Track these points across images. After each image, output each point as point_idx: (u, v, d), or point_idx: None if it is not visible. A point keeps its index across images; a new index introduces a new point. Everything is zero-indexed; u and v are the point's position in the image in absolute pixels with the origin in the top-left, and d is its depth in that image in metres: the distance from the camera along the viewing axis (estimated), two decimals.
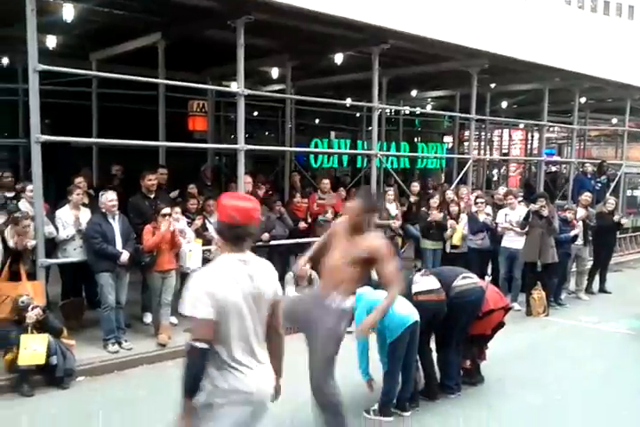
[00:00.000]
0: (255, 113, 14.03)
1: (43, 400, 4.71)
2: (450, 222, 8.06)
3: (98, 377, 5.23)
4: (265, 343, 2.62)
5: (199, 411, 2.49)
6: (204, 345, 2.39)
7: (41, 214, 5.43)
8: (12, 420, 4.35)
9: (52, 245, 5.88)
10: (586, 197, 8.87)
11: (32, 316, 4.90)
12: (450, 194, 8.61)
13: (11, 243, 5.37)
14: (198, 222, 6.74)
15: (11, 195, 6.80)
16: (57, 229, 5.88)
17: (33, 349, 4.75)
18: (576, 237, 8.18)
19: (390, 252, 3.81)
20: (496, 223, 8.04)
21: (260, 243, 7.11)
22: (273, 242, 7.27)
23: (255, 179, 8.57)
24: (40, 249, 5.39)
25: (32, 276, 5.43)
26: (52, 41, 8.47)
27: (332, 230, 4.05)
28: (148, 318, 6.41)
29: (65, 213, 6.03)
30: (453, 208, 8.19)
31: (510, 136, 19.90)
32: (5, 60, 9.99)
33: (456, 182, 9.68)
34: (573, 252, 8.38)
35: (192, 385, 2.43)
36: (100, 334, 5.82)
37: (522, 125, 18.47)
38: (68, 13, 6.95)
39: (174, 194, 7.78)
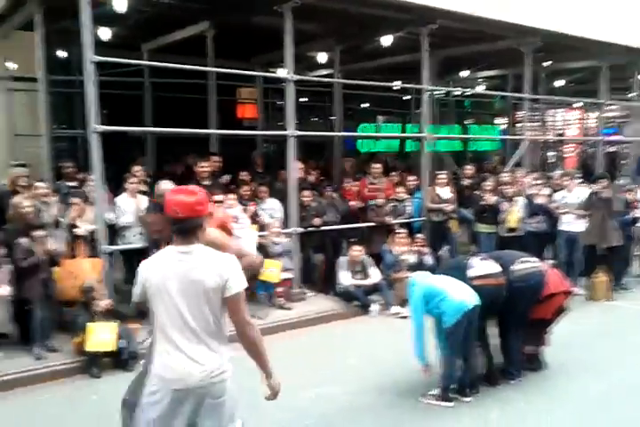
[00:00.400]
0: (303, 99, 14.00)
1: (110, 382, 4.87)
2: (502, 204, 7.85)
3: None
4: (217, 333, 2.54)
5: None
6: None
7: (101, 202, 5.57)
8: (83, 400, 4.55)
9: (112, 233, 6.04)
10: None
11: (102, 305, 5.09)
12: (505, 176, 8.39)
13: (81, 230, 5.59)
14: (252, 209, 6.80)
15: (73, 184, 7.02)
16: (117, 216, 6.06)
17: (101, 336, 4.94)
18: (637, 219, 7.85)
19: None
20: (556, 206, 7.80)
21: (312, 228, 7.14)
22: (324, 227, 7.27)
23: (306, 165, 8.58)
24: (101, 236, 5.54)
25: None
26: (105, 33, 8.65)
27: None
28: None
29: (123, 201, 6.20)
30: (508, 190, 7.99)
31: (566, 116, 19.18)
32: (62, 53, 10.24)
33: (510, 164, 9.43)
34: (635, 234, 8.06)
35: None
36: None
37: (578, 105, 17.77)
38: (121, 5, 7.06)
39: (226, 178, 7.86)
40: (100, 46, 5.66)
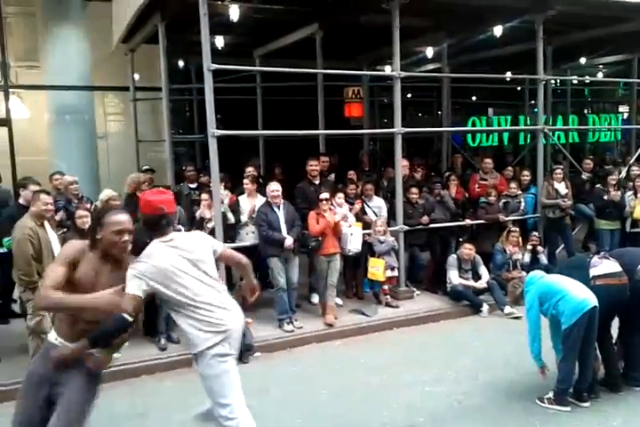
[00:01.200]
0: (409, 95, 13.89)
1: None
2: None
3: (272, 353, 5.61)
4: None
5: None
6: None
7: (219, 202, 5.89)
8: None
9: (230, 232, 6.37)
10: None
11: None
12: (636, 169, 7.84)
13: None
14: (357, 206, 6.87)
15: (194, 186, 7.48)
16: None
17: None
18: None
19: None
20: None
21: (420, 226, 7.09)
22: (432, 225, 7.19)
23: (412, 162, 8.52)
24: (218, 234, 5.85)
25: None
26: (219, 41, 9.10)
27: None
28: (315, 298, 6.71)
29: (242, 201, 6.53)
30: (638, 183, 7.45)
31: None
32: (180, 63, 10.92)
33: (636, 156, 8.78)
34: None
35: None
36: (272, 313, 6.24)
37: None
38: (234, 13, 7.39)
39: (331, 176, 8.01)
40: (215, 54, 5.97)
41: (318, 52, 8.54)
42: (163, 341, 5.50)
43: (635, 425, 3.99)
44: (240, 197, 6.58)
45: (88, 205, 6.13)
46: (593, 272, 4.38)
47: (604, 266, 4.41)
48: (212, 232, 5.82)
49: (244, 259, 3.44)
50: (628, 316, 4.44)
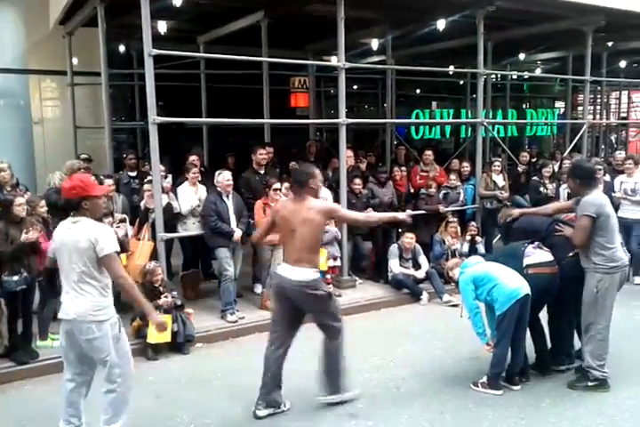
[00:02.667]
0: (355, 86, 13.98)
1: (167, 364, 5.13)
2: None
3: (214, 344, 5.59)
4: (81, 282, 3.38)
5: None
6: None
7: (159, 191, 5.78)
8: (141, 382, 4.72)
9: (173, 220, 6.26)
10: None
11: (166, 302, 5.33)
12: (568, 163, 8.16)
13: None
14: None
15: (133, 174, 7.31)
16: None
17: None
18: None
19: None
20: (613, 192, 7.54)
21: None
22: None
23: (356, 153, 8.60)
24: (159, 224, 5.75)
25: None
26: (162, 26, 8.87)
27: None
28: (259, 288, 6.71)
29: (186, 190, 6.42)
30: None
31: (630, 98, 18.32)
32: (121, 47, 10.59)
33: (569, 150, 9.16)
34: None
35: None
36: (214, 303, 6.21)
37: None
38: None
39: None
40: (158, 40, 5.83)
41: (264, 40, 8.46)
42: None
43: (562, 405, 4.20)
44: (181, 187, 6.47)
45: (25, 193, 5.91)
46: (526, 261, 4.55)
47: (537, 255, 4.58)
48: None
49: (122, 280, 3.43)
50: (557, 303, 4.64)
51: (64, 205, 3.51)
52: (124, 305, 5.85)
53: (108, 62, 7.82)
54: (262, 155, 6.84)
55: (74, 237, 3.35)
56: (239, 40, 9.15)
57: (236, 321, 5.89)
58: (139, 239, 5.93)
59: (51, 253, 3.78)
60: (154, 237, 5.89)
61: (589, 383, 4.41)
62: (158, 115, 5.64)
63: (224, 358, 5.25)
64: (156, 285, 5.43)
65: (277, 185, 6.19)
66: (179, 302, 5.48)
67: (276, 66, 9.32)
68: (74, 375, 3.58)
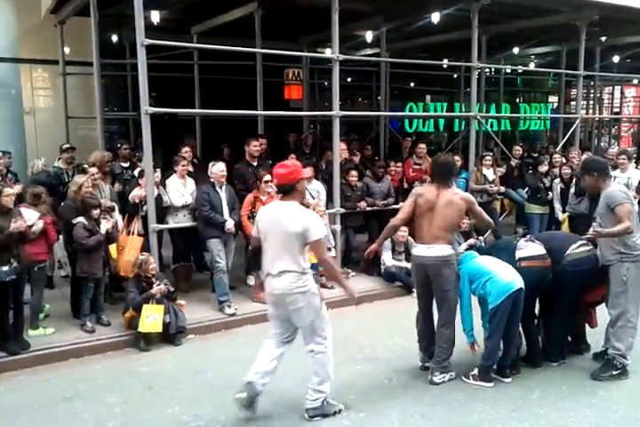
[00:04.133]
0: (349, 79, 13.94)
1: (158, 355, 5.12)
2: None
3: (207, 335, 5.60)
4: None
5: None
6: None
7: (151, 182, 5.75)
8: (133, 372, 4.78)
9: (162, 213, 6.22)
10: None
11: (159, 290, 5.31)
12: (557, 157, 8.20)
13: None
14: None
15: (126, 165, 7.25)
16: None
17: (153, 318, 5.16)
18: None
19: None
20: None
21: (358, 209, 7.18)
22: (369, 208, 7.31)
23: (350, 146, 8.59)
24: (151, 215, 5.73)
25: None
26: (155, 16, 8.80)
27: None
28: (252, 280, 6.69)
29: (175, 183, 6.37)
30: (565, 171, 7.79)
31: (623, 93, 18.39)
32: (115, 37, 10.50)
33: (561, 144, 9.19)
34: None
35: None
36: (207, 295, 6.20)
37: (636, 81, 17.05)
38: None
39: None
40: (151, 30, 5.78)
41: (257, 32, 8.42)
42: (89, 324, 5.34)
43: (551, 397, 4.24)
44: (169, 179, 6.41)
45: (14, 184, 5.88)
46: (519, 254, 4.58)
47: (529, 249, 4.62)
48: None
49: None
50: (549, 297, 4.68)
51: (278, 190, 3.92)
52: (115, 298, 5.94)
53: (101, 52, 7.76)
54: (255, 146, 6.83)
55: (286, 221, 3.65)
56: (233, 31, 9.09)
57: (234, 314, 5.86)
58: (129, 233, 5.87)
59: (255, 233, 3.92)
60: (145, 231, 5.86)
61: (614, 372, 4.48)
62: (151, 105, 5.61)
63: (216, 350, 5.26)
64: (150, 275, 5.41)
65: (268, 177, 6.17)
66: (172, 289, 5.47)
67: (270, 57, 9.26)
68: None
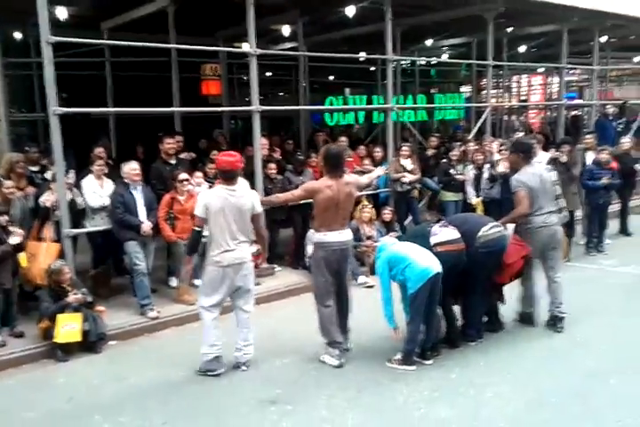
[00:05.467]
0: (268, 73, 13.89)
1: (78, 365, 4.92)
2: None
3: (129, 341, 5.43)
4: None
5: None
6: None
7: (63, 185, 5.53)
8: (51, 384, 4.58)
9: (77, 216, 6.00)
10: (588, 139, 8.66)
11: (73, 299, 5.08)
12: (471, 145, 8.51)
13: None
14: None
15: (36, 169, 6.91)
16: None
17: (70, 327, 4.95)
18: (613, 184, 7.85)
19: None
20: None
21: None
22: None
23: (271, 140, 8.57)
24: (64, 219, 5.49)
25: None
26: (62, 12, 8.43)
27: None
28: (174, 282, 6.56)
29: (91, 183, 6.14)
30: (478, 157, 8.10)
31: (529, 82, 19.35)
32: (18, 35, 9.99)
33: (474, 132, 9.55)
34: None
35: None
36: (127, 300, 6.05)
37: (541, 70, 17.95)
38: None
39: (191, 155, 7.82)
40: (58, 26, 5.54)
41: (171, 27, 8.24)
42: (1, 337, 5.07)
43: (470, 374, 4.44)
44: (84, 180, 6.17)
45: None
46: (434, 240, 4.74)
47: (443, 234, 4.78)
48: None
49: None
50: (466, 279, 4.86)
51: (226, 175, 4.41)
52: (26, 308, 5.61)
53: (3, 50, 7.36)
54: (170, 144, 6.69)
55: (240, 199, 4.34)
56: (146, 26, 8.87)
57: (157, 317, 5.73)
58: (40, 239, 5.60)
59: (202, 213, 4.34)
60: (58, 237, 5.63)
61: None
62: (61, 106, 5.38)
63: (139, 355, 5.13)
64: (64, 285, 5.17)
65: (183, 176, 6.07)
66: (89, 299, 5.27)
67: (186, 53, 9.09)
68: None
